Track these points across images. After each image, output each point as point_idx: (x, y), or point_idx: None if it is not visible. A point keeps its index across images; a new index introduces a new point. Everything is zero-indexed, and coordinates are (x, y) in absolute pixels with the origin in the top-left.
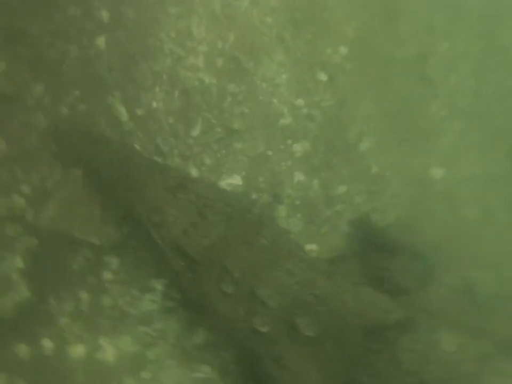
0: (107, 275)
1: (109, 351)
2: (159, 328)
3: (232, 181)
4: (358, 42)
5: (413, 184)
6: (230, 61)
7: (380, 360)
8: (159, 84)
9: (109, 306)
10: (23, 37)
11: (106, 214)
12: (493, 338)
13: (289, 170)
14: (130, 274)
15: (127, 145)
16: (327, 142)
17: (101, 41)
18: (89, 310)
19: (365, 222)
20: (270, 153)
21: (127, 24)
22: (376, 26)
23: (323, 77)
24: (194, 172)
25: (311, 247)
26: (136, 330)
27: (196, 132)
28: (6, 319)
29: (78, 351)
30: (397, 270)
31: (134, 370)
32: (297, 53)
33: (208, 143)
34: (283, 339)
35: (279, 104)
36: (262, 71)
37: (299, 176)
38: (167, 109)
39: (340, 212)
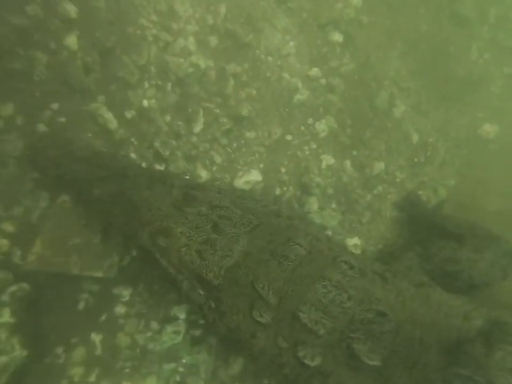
0: (119, 309)
1: None
2: (188, 363)
3: (250, 178)
4: None
5: (462, 147)
6: (225, 37)
7: None
8: (147, 78)
9: (127, 345)
10: None
11: (106, 242)
12: None
13: (315, 154)
14: (146, 305)
15: (120, 157)
16: (355, 114)
17: (71, 40)
18: (105, 354)
19: (413, 202)
20: (289, 137)
21: (99, 15)
22: None
23: (337, 37)
24: (204, 175)
25: (354, 241)
26: (162, 370)
27: (198, 127)
28: None
29: None
30: (469, 260)
31: None
32: (303, 14)
33: (215, 137)
34: (339, 371)
35: (291, 78)
36: (265, 43)
37: (327, 160)
38: (161, 106)
39: (381, 194)
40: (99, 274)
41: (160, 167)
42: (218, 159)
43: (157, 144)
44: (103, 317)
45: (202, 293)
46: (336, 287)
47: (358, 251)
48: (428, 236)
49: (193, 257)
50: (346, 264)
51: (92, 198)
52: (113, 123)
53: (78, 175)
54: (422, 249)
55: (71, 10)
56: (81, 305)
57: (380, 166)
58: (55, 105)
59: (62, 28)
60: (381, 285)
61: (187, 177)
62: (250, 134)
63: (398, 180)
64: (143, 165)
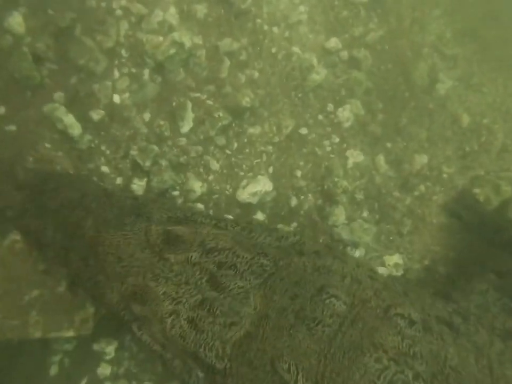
0: (104, 370)
1: None
2: None
3: (257, 188)
4: None
5: None
6: (216, 4)
7: None
8: (117, 65)
9: None
10: None
11: (74, 289)
12: None
13: (339, 150)
14: (136, 361)
15: (85, 177)
16: (387, 95)
17: (15, 21)
18: None
19: (467, 204)
20: (304, 131)
21: None
22: None
23: None
24: (198, 188)
25: (394, 259)
26: None
27: (187, 125)
28: None
29: None
30: None
31: None
32: None
33: (209, 137)
34: None
35: (304, 54)
36: (268, 9)
37: (355, 156)
38: (137, 101)
39: (424, 195)
40: (70, 333)
41: (140, 182)
42: (215, 165)
43: (134, 152)
44: (84, 381)
45: (201, 374)
46: (395, 360)
47: (399, 272)
48: (491, 250)
49: (183, 330)
50: (403, 319)
51: (47, 239)
52: (76, 128)
53: (30, 206)
54: (490, 269)
55: None
56: (53, 370)
57: (421, 160)
58: (1, 110)
59: (1, 4)
60: (452, 340)
61: (174, 198)
62: (254, 130)
63: (445, 175)
64: (119, 181)
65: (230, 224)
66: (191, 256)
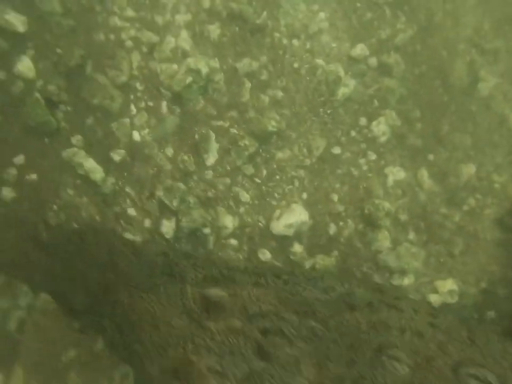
0: None
1: None
2: None
3: (292, 219)
4: None
5: None
6: (229, 22)
7: None
8: (133, 100)
9: None
10: None
11: (112, 346)
12: None
13: (377, 168)
14: None
15: (111, 231)
16: (424, 101)
17: (25, 65)
18: None
19: None
20: (337, 150)
21: (55, 22)
22: None
23: None
24: (229, 223)
25: (447, 285)
26: None
27: (212, 157)
28: None
29: None
30: None
31: None
32: None
33: (236, 167)
34: None
35: (329, 65)
36: (285, 21)
37: (395, 173)
38: (158, 136)
39: (475, 209)
40: None
41: (169, 222)
42: (245, 197)
43: (160, 192)
44: None
45: None
46: None
47: (454, 299)
48: None
49: None
50: (477, 380)
51: (75, 304)
52: (97, 172)
53: (49, 271)
54: None
55: (17, 21)
56: None
57: (468, 170)
58: (19, 159)
59: (9, 50)
60: None
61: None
62: (283, 154)
63: (496, 185)
64: (147, 223)
65: (271, 278)
66: (234, 324)
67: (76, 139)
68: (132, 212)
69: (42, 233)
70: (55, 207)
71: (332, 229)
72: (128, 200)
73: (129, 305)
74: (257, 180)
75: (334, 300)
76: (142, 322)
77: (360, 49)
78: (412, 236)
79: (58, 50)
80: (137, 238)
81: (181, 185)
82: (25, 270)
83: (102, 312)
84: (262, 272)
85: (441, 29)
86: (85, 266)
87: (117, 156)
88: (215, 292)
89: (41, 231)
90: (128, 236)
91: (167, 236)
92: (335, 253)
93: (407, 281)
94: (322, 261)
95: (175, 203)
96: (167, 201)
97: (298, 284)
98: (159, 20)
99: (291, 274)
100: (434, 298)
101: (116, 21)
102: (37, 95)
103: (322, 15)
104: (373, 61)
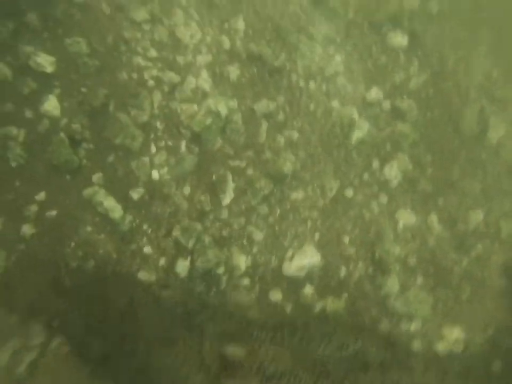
0: None
1: None
2: None
3: (304, 260)
4: None
5: None
6: (248, 63)
7: None
8: (153, 139)
9: None
10: None
11: None
12: None
13: (388, 211)
14: None
15: (131, 276)
16: (436, 146)
17: (51, 104)
18: None
19: None
20: (349, 192)
21: (82, 62)
22: None
23: (399, 38)
24: (242, 263)
25: (454, 333)
26: None
27: (228, 197)
28: None
29: None
30: None
31: None
32: (348, 13)
33: (251, 207)
34: None
35: (344, 107)
36: (303, 63)
37: (406, 217)
38: (176, 175)
39: (482, 255)
40: None
41: (184, 262)
42: (258, 236)
43: (177, 232)
44: None
45: None
46: None
47: (460, 347)
48: None
49: None
50: None
51: (92, 353)
52: (117, 210)
53: (68, 317)
54: None
55: (46, 62)
56: None
57: (477, 217)
58: (41, 195)
59: (37, 89)
60: None
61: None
62: (297, 195)
63: (504, 232)
64: (162, 261)
65: (287, 333)
66: None
67: (97, 177)
68: (148, 249)
69: (63, 277)
70: (73, 244)
71: (343, 271)
72: (144, 238)
73: (146, 358)
74: (271, 220)
75: (348, 357)
76: (159, 377)
77: (374, 93)
78: (420, 280)
79: (84, 90)
80: (152, 277)
81: (197, 225)
82: (43, 314)
83: (117, 362)
84: (278, 325)
85: (454, 75)
86: (105, 313)
87: (136, 194)
88: (233, 351)
89: (62, 275)
90: (143, 274)
91: (182, 275)
92: (345, 295)
93: (414, 326)
94: (333, 304)
95: (191, 243)
96: (183, 241)
97: (312, 339)
98: (181, 60)
99: (305, 330)
100: (441, 347)
101: (139, 60)
102: (62, 135)
103: (338, 58)
104: (387, 105)
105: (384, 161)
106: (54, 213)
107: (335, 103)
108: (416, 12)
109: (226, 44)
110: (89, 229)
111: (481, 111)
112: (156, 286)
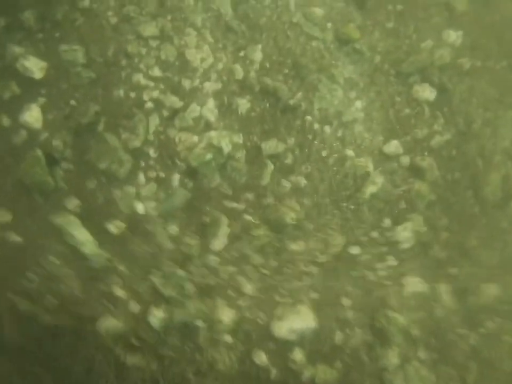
0: None
1: None
2: None
3: (296, 323)
4: None
5: None
6: (261, 98)
7: None
8: (143, 168)
9: None
10: None
11: None
12: None
13: (395, 276)
14: None
15: (92, 333)
16: (453, 211)
17: (33, 114)
18: None
19: None
20: (355, 250)
21: (75, 73)
22: None
23: (427, 92)
24: (226, 317)
25: None
26: None
27: (220, 242)
28: None
29: None
30: None
31: None
32: (375, 58)
33: (244, 256)
34: None
35: (359, 158)
36: (320, 105)
37: (413, 285)
38: (164, 211)
39: (492, 333)
40: None
41: (159, 312)
42: (248, 288)
43: (156, 278)
44: None
45: None
46: None
47: None
48: None
49: None
50: None
51: None
52: (89, 246)
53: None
54: None
55: (35, 67)
56: None
57: (490, 291)
58: (5, 217)
59: (20, 95)
60: None
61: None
62: (296, 247)
63: None
64: (134, 308)
65: None
66: None
67: (73, 204)
68: (120, 293)
69: (5, 328)
70: (34, 276)
71: (338, 336)
72: (118, 279)
73: None
74: (265, 271)
75: None
76: None
77: (393, 146)
78: (422, 353)
79: (72, 102)
80: (120, 325)
81: (181, 273)
82: None
83: None
84: None
85: (479, 137)
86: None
87: (115, 228)
88: None
89: (4, 325)
90: (111, 321)
91: (154, 326)
92: (338, 364)
93: None
94: (324, 373)
95: (170, 291)
96: (161, 288)
97: None
98: (187, 84)
99: None
100: None
101: (140, 78)
102: (38, 151)
103: (358, 104)
104: (406, 160)
105: (396, 220)
106: (18, 239)
107: (349, 152)
108: (447, 66)
109: (239, 73)
110: (55, 261)
111: (505, 177)
112: (121, 349)
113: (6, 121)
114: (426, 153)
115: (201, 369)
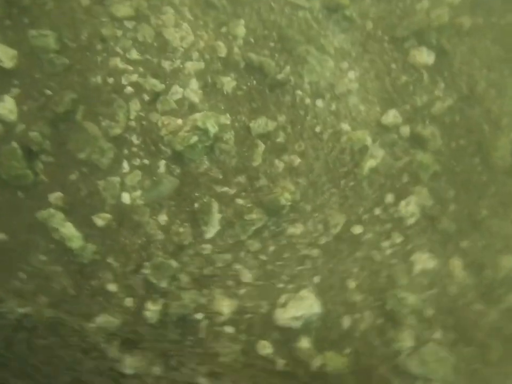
0: None
1: None
2: None
3: (300, 310)
4: None
5: None
6: (247, 75)
7: None
8: (127, 156)
9: None
10: None
11: None
12: None
13: (402, 253)
14: None
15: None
16: (460, 180)
17: (7, 105)
18: None
19: None
20: (358, 229)
21: (48, 59)
22: None
23: (425, 56)
24: (226, 308)
25: None
26: None
27: (212, 229)
28: None
29: None
30: None
31: None
32: (367, 24)
33: (239, 242)
34: None
35: (355, 131)
36: (310, 78)
37: (423, 261)
38: (151, 199)
39: None
40: None
41: (154, 306)
42: (247, 276)
43: (147, 270)
44: None
45: None
46: None
47: None
48: None
49: None
50: None
51: None
52: (75, 240)
53: None
54: None
55: (5, 56)
56: None
57: (507, 263)
58: None
59: None
60: None
61: None
62: (295, 229)
63: None
64: (129, 302)
65: None
66: None
67: (55, 197)
68: (112, 287)
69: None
70: (23, 275)
71: (346, 321)
72: (109, 273)
73: None
74: (263, 257)
75: None
76: None
77: (392, 116)
78: (438, 334)
79: (47, 92)
80: (116, 320)
81: (173, 263)
82: None
83: None
84: None
85: (484, 100)
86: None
87: (101, 220)
88: None
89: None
90: (105, 317)
91: (151, 321)
92: (348, 350)
93: None
94: (333, 360)
95: (163, 283)
96: (154, 280)
97: None
98: (167, 65)
99: None
100: None
101: (117, 63)
102: (14, 144)
103: (352, 74)
104: (406, 130)
105: (399, 195)
106: (3, 236)
107: (345, 126)
108: (446, 26)
109: (223, 50)
110: (43, 258)
111: None
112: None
113: None
114: (427, 122)
115: (204, 364)
